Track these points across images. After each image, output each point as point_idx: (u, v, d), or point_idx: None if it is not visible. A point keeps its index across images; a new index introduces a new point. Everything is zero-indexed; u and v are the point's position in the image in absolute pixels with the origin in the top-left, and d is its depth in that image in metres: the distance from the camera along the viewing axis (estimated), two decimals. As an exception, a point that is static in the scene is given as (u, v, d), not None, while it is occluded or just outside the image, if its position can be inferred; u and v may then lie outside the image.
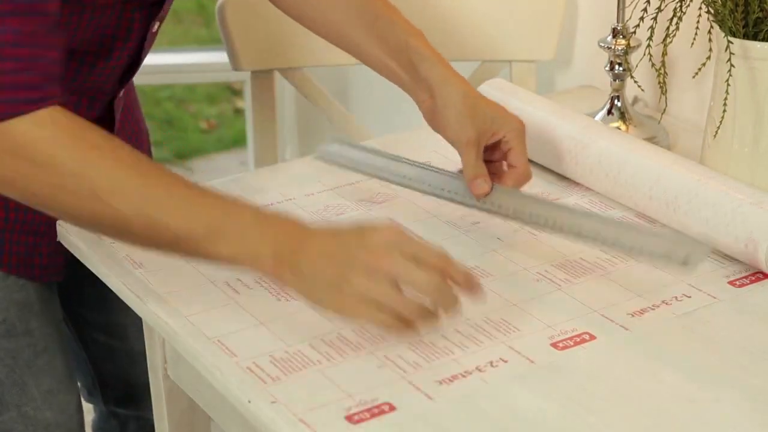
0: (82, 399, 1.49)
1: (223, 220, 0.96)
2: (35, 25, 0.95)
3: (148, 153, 1.41)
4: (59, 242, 1.20)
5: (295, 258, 0.95)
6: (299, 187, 1.26)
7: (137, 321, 1.22)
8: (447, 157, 1.33)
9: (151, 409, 1.25)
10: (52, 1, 0.96)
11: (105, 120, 1.23)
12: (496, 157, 1.15)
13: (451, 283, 0.95)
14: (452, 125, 1.14)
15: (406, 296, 0.93)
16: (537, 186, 1.26)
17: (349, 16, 1.23)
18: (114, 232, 1.00)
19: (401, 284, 0.93)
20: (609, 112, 1.39)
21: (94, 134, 0.98)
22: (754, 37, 1.16)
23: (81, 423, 1.34)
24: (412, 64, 1.17)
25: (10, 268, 1.22)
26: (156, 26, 1.20)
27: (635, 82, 1.35)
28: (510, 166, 1.14)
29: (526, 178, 1.14)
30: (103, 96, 1.22)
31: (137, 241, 1.00)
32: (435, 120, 1.16)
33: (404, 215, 1.20)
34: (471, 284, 0.96)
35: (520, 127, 1.13)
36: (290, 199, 1.23)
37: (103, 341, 1.43)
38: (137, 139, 1.36)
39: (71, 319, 1.38)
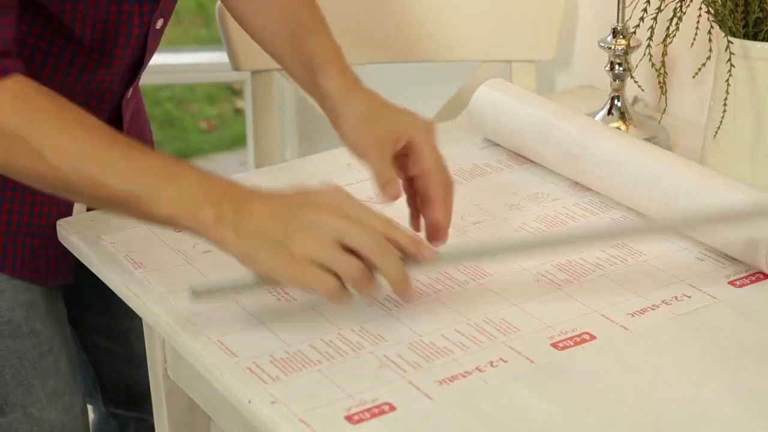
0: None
1: (165, 180, 0.97)
2: None
3: None
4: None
5: (237, 217, 0.95)
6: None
7: (139, 325, 1.22)
8: (447, 157, 1.33)
9: (151, 411, 1.25)
10: None
11: (113, 122, 1.23)
12: (415, 171, 1.08)
13: (396, 250, 0.95)
14: (349, 137, 1.11)
15: (349, 255, 0.93)
16: (537, 186, 1.26)
17: (278, 24, 1.23)
18: (62, 192, 1.02)
19: (345, 242, 0.93)
20: (609, 112, 1.39)
21: (43, 98, 1.00)
22: (754, 37, 1.16)
23: (86, 424, 1.34)
24: (315, 76, 1.17)
25: (14, 271, 1.22)
26: (160, 23, 1.20)
27: (635, 82, 1.35)
28: (424, 171, 1.06)
29: (447, 182, 1.07)
30: (111, 96, 1.22)
31: (84, 200, 1.06)
32: (338, 133, 1.15)
33: (405, 215, 1.20)
34: (418, 246, 0.96)
35: (426, 127, 1.08)
36: (290, 199, 1.23)
37: (104, 345, 1.43)
38: None
39: (72, 321, 1.38)
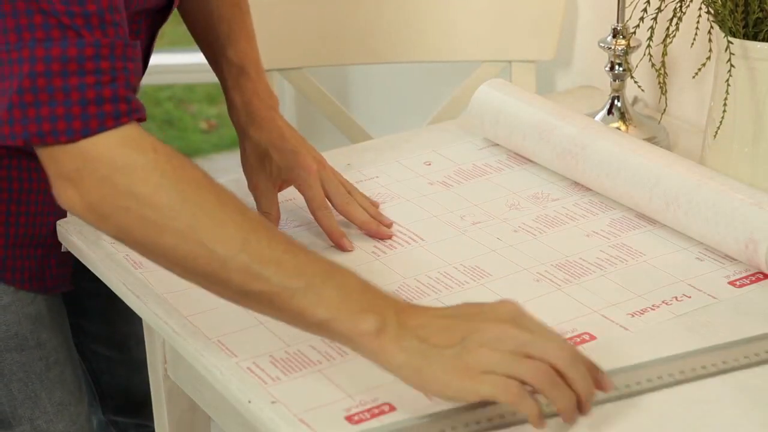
0: None
1: (326, 281, 0.88)
2: (112, 37, 0.91)
3: None
4: (66, 252, 1.20)
5: (402, 330, 0.86)
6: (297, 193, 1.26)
7: (138, 331, 1.22)
8: (447, 157, 1.33)
9: (151, 417, 1.25)
10: (121, 11, 0.93)
11: None
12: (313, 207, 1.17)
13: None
14: (246, 170, 1.20)
15: (534, 360, 0.84)
16: (537, 186, 1.26)
17: (210, 18, 1.24)
18: (206, 278, 0.91)
19: (528, 350, 0.85)
20: (609, 112, 1.39)
21: (196, 170, 0.92)
22: (754, 38, 1.16)
23: None
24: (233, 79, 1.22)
25: (23, 284, 1.21)
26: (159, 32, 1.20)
27: (635, 82, 1.35)
28: (319, 206, 1.16)
29: (344, 198, 1.16)
30: None
31: (229, 290, 0.91)
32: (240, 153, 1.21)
33: (404, 215, 1.20)
34: (598, 371, 0.87)
35: (308, 173, 1.16)
36: (290, 200, 1.23)
37: (103, 352, 1.43)
38: None
39: (71, 330, 1.38)
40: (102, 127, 0.90)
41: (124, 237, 0.92)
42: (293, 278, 0.88)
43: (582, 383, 0.85)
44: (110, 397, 1.47)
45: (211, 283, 0.92)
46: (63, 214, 1.21)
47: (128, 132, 0.91)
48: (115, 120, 0.90)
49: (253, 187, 1.19)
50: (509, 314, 0.87)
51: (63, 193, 0.92)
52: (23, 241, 1.19)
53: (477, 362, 0.85)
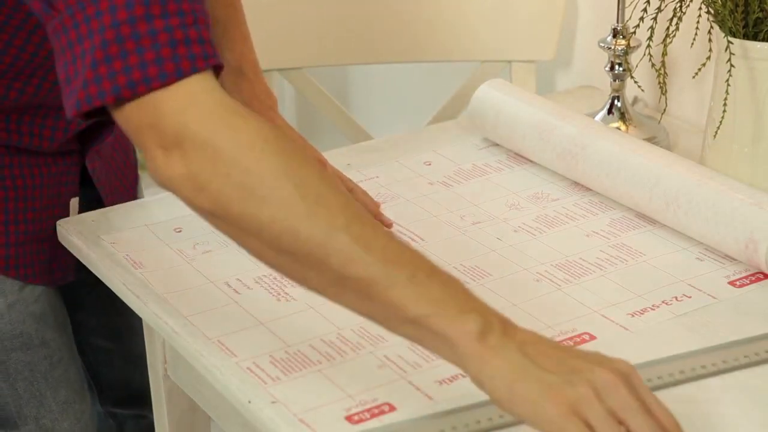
0: None
1: (431, 276, 0.83)
2: None
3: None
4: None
5: (505, 339, 0.80)
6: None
7: (135, 323, 1.22)
8: (447, 157, 1.33)
9: (150, 407, 1.25)
10: None
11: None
12: None
13: None
14: None
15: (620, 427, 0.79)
16: (537, 186, 1.26)
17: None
18: (299, 256, 0.84)
19: (622, 415, 0.79)
20: (609, 112, 1.39)
21: (293, 139, 0.90)
22: (754, 38, 1.16)
23: (95, 430, 1.35)
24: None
25: (34, 278, 1.21)
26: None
27: (635, 82, 1.35)
28: None
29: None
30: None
31: (322, 275, 0.84)
32: None
33: (404, 215, 1.20)
34: None
35: None
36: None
37: (101, 344, 1.43)
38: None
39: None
40: (194, 68, 0.85)
41: (219, 210, 0.84)
42: (397, 267, 0.82)
43: None
44: (109, 389, 1.48)
45: (305, 265, 0.84)
46: (62, 207, 1.21)
47: (214, 83, 0.86)
48: (205, 61, 0.86)
49: None
50: (626, 370, 0.81)
51: (163, 164, 0.85)
52: (31, 237, 1.20)
53: (578, 401, 0.78)
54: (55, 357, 1.25)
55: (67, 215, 1.22)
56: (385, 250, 0.82)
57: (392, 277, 0.81)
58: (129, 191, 1.34)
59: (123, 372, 1.45)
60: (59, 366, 1.26)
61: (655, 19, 1.22)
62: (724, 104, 1.17)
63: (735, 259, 1.09)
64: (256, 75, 1.23)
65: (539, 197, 1.23)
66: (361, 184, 1.25)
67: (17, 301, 1.21)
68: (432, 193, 1.24)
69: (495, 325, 0.81)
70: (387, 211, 1.21)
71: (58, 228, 1.19)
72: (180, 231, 1.16)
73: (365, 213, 0.86)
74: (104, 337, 1.42)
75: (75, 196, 1.23)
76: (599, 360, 0.81)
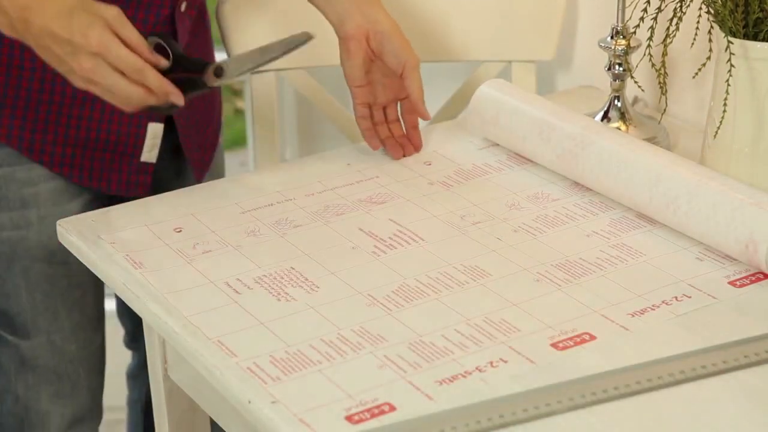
0: (124, 345, 1.63)
1: None
2: None
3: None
4: (143, 162, 1.35)
5: (23, 26, 1.09)
6: (299, 188, 1.26)
7: None
8: (447, 157, 1.33)
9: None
10: None
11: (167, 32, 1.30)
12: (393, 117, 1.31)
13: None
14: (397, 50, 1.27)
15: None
16: (537, 186, 1.26)
17: None
18: None
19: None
20: (609, 112, 1.39)
21: None
22: (755, 38, 1.16)
23: (102, 363, 1.42)
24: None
25: (91, 182, 1.33)
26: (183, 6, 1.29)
27: (635, 82, 1.35)
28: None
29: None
30: (157, 9, 1.29)
31: None
32: (377, 46, 1.27)
33: (404, 215, 1.20)
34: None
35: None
36: (290, 200, 1.23)
37: None
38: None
39: None
40: None
41: None
42: None
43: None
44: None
45: None
46: (126, 125, 1.33)
47: None
48: None
49: (414, 64, 1.28)
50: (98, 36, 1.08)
51: None
52: (87, 144, 1.31)
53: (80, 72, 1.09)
54: (74, 279, 1.31)
55: (141, 139, 1.33)
56: None
57: None
58: (208, 152, 1.46)
59: None
60: (78, 289, 1.32)
61: (655, 19, 1.22)
62: (724, 104, 1.17)
63: (735, 259, 1.09)
64: None
65: (539, 197, 1.23)
66: (361, 184, 1.25)
67: (49, 215, 1.31)
68: (432, 193, 1.25)
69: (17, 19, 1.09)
70: (387, 211, 1.21)
71: (58, 228, 1.19)
72: (180, 231, 1.17)
73: None
74: None
75: (156, 122, 1.34)
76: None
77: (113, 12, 1.09)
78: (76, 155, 1.31)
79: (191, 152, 1.41)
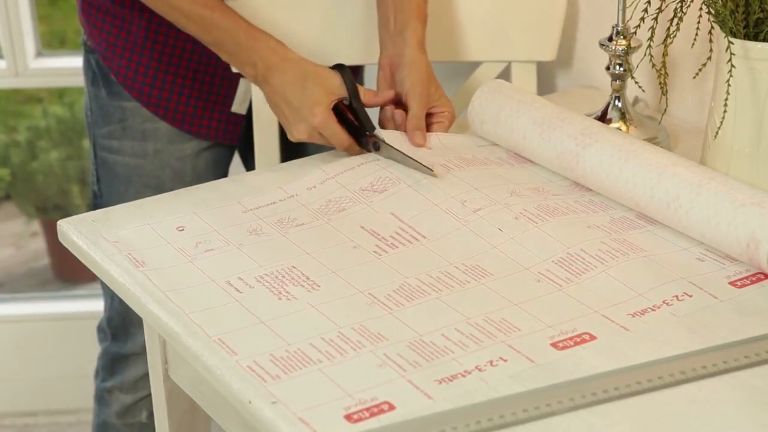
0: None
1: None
2: None
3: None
4: (233, 113, 1.57)
5: (263, 81, 1.30)
6: (301, 178, 1.26)
7: None
8: (448, 147, 1.33)
9: None
10: None
11: None
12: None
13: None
14: (412, 80, 1.35)
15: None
16: (539, 183, 1.25)
17: None
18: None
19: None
20: (609, 112, 1.39)
21: None
22: (755, 38, 1.16)
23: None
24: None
25: (191, 129, 1.55)
26: None
27: (636, 82, 1.35)
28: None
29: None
30: None
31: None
32: (398, 70, 1.37)
33: (405, 203, 1.19)
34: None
35: (453, 112, 1.37)
36: (292, 196, 1.23)
37: None
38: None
39: None
40: None
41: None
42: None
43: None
44: None
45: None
46: (219, 77, 1.54)
47: None
48: None
49: (420, 93, 1.35)
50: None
51: None
52: (183, 90, 1.53)
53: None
54: None
55: (233, 90, 1.55)
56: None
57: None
58: None
59: None
60: None
61: (655, 19, 1.22)
62: (725, 104, 1.17)
63: (736, 259, 1.09)
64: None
65: (540, 191, 1.23)
66: (362, 167, 1.26)
67: (164, 150, 1.52)
68: (433, 178, 1.23)
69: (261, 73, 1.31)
70: (388, 199, 1.20)
71: (59, 228, 1.19)
72: (182, 230, 1.17)
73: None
74: None
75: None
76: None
77: (335, 87, 1.30)
78: (180, 101, 1.53)
79: None
